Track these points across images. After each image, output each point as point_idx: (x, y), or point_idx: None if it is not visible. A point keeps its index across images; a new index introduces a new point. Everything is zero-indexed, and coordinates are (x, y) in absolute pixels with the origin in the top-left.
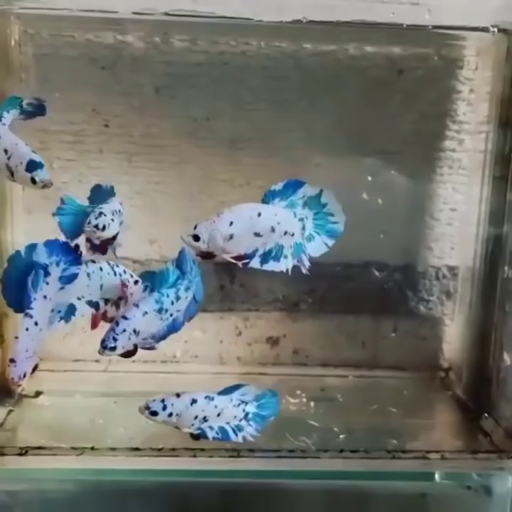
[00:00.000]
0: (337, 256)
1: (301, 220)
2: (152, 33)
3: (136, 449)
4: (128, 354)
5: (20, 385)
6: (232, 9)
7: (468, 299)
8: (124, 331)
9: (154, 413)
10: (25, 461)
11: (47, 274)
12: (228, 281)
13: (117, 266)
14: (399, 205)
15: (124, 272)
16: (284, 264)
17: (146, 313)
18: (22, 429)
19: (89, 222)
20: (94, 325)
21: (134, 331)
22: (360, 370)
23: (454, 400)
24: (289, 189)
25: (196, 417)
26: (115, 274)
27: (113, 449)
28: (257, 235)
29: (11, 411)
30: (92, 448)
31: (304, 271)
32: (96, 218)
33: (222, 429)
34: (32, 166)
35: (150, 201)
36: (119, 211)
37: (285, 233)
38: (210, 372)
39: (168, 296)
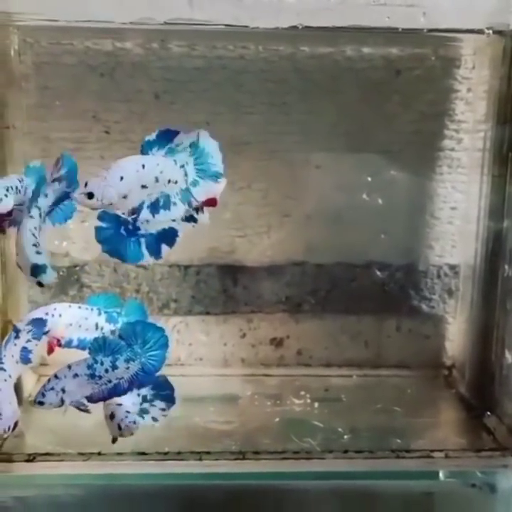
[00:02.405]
0: (339, 256)
1: (182, 166)
2: (150, 40)
3: (143, 453)
4: (82, 410)
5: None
6: (229, 15)
7: (470, 297)
8: (52, 388)
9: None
10: (33, 467)
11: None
12: (231, 284)
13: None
14: (399, 204)
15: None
16: (177, 212)
17: (76, 375)
18: (29, 435)
19: None
20: (49, 350)
21: (63, 389)
22: (363, 370)
23: (458, 397)
24: (164, 138)
25: None
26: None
27: (120, 453)
28: (143, 187)
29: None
30: (99, 453)
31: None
32: None
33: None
34: (35, 271)
35: None
36: (16, 187)
37: (169, 182)
38: (215, 374)
39: (102, 363)
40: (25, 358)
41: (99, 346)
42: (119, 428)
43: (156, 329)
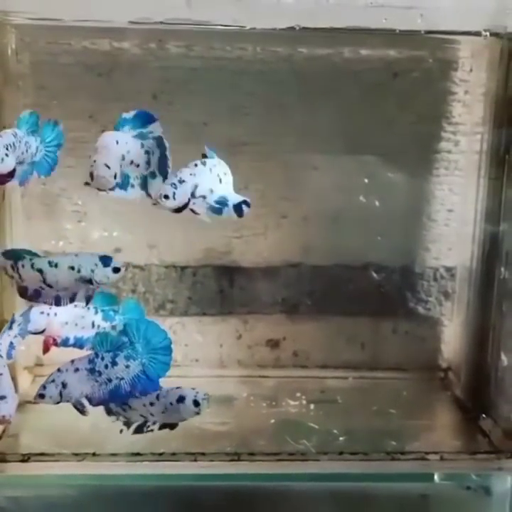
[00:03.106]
0: (336, 258)
1: (148, 153)
2: (148, 40)
3: (137, 454)
4: (79, 411)
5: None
6: (227, 16)
7: (466, 300)
8: (53, 381)
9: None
10: (28, 467)
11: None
12: (227, 285)
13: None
14: (396, 206)
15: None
16: (133, 194)
17: (77, 369)
18: (24, 435)
19: None
20: (45, 349)
21: (63, 383)
22: (359, 372)
23: (453, 400)
24: (139, 120)
25: None
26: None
27: (114, 454)
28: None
29: None
30: (94, 454)
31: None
32: None
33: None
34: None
35: (149, 206)
36: (13, 144)
37: (131, 163)
38: (211, 375)
39: (102, 358)
40: (9, 353)
41: (101, 340)
42: (197, 404)
43: (160, 331)
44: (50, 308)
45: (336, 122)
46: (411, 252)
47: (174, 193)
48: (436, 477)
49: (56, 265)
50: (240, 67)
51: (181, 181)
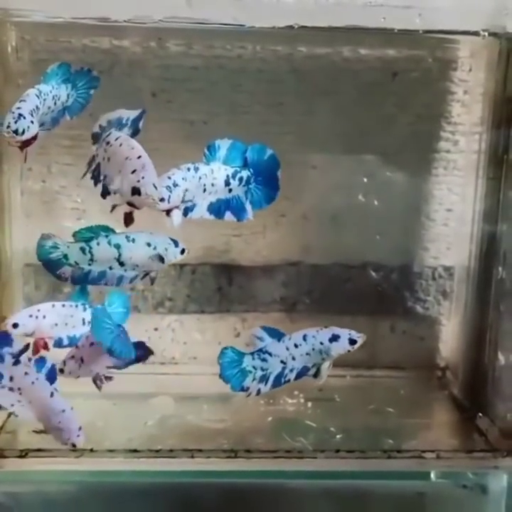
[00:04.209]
0: (334, 257)
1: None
2: (148, 38)
3: (135, 450)
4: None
5: None
6: (227, 14)
7: (464, 299)
8: (73, 357)
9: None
10: (25, 463)
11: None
12: (226, 283)
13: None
14: (395, 206)
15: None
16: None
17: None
18: (22, 431)
19: (8, 126)
20: (35, 351)
21: (82, 358)
22: (357, 370)
23: (451, 399)
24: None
25: None
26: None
27: (112, 450)
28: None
29: (11, 413)
30: (91, 450)
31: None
32: (15, 121)
33: None
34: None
35: None
36: (36, 107)
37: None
38: (209, 373)
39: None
40: None
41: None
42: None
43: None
44: (38, 310)
45: (335, 121)
46: (410, 252)
47: (169, 196)
48: (432, 475)
49: (133, 240)
50: (239, 66)
51: (175, 185)
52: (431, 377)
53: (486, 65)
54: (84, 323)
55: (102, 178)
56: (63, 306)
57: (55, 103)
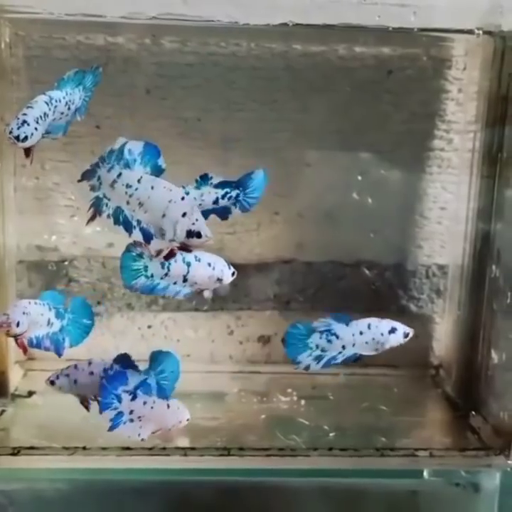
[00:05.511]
0: (328, 255)
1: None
2: (142, 35)
3: (128, 448)
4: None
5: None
6: (222, 11)
7: (458, 297)
8: (68, 375)
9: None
10: (18, 460)
11: None
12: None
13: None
14: (389, 204)
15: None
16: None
17: (92, 373)
18: (14, 429)
19: (10, 131)
20: (24, 350)
21: (75, 380)
22: (351, 368)
23: (444, 397)
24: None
25: None
26: None
27: (104, 448)
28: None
29: (3, 411)
30: (84, 448)
31: None
32: (18, 128)
33: None
34: None
35: None
36: (45, 114)
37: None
38: (202, 370)
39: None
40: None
41: None
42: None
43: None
44: (25, 306)
45: (330, 119)
46: (403, 250)
47: None
48: (425, 473)
49: (199, 260)
50: (234, 63)
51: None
52: (424, 375)
53: (480, 64)
54: (48, 323)
55: (134, 223)
56: (36, 303)
57: (68, 108)
